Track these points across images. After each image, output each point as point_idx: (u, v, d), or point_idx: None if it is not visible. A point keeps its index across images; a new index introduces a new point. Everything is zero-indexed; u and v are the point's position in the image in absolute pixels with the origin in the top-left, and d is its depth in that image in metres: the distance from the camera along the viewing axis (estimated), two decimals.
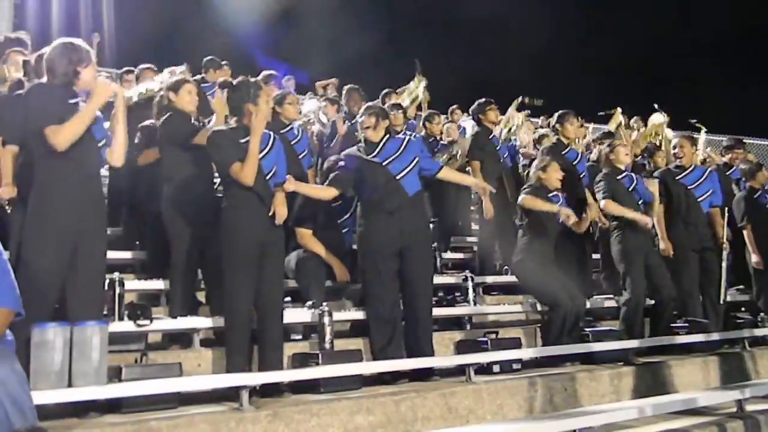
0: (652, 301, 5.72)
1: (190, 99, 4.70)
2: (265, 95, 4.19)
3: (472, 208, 7.74)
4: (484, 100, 6.78)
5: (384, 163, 4.62)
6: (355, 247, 5.07)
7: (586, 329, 5.29)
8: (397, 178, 4.60)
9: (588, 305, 5.88)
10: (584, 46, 15.98)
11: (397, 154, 4.64)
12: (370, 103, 5.05)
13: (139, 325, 3.97)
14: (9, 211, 4.24)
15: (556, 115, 6.48)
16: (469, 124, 9.20)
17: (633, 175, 5.91)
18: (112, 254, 5.34)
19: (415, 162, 4.65)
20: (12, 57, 5.25)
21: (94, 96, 3.57)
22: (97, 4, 14.81)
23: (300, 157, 5.77)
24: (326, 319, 4.34)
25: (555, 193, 5.43)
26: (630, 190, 5.71)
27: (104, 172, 5.81)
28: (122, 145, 3.76)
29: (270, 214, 4.03)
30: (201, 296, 4.90)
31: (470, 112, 7.16)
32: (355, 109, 6.89)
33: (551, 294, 5.18)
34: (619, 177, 5.73)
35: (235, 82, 4.37)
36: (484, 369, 4.62)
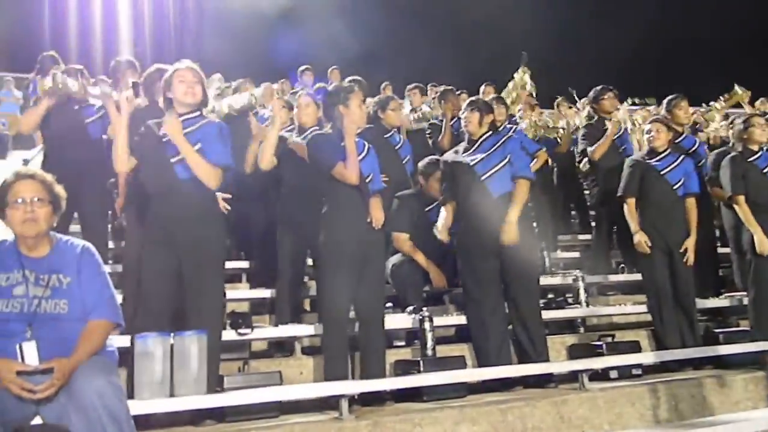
0: None
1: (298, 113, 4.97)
2: (356, 98, 4.14)
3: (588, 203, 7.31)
4: (600, 87, 6.27)
5: (471, 163, 4.46)
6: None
7: (716, 330, 4.83)
8: (482, 179, 4.41)
9: (717, 304, 5.41)
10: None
11: (489, 152, 4.44)
12: (473, 98, 4.85)
13: (240, 334, 4.00)
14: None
15: (665, 101, 5.99)
16: (582, 114, 8.76)
17: None
18: None
19: (505, 162, 4.41)
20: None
21: None
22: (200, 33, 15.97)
23: (404, 162, 5.66)
24: (427, 325, 4.21)
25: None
26: (765, 172, 5.09)
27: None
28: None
29: (368, 220, 3.99)
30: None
31: (586, 100, 6.76)
32: (449, 112, 6.69)
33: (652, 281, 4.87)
34: (752, 158, 5.15)
35: (330, 88, 4.38)
36: (600, 375, 4.31)
